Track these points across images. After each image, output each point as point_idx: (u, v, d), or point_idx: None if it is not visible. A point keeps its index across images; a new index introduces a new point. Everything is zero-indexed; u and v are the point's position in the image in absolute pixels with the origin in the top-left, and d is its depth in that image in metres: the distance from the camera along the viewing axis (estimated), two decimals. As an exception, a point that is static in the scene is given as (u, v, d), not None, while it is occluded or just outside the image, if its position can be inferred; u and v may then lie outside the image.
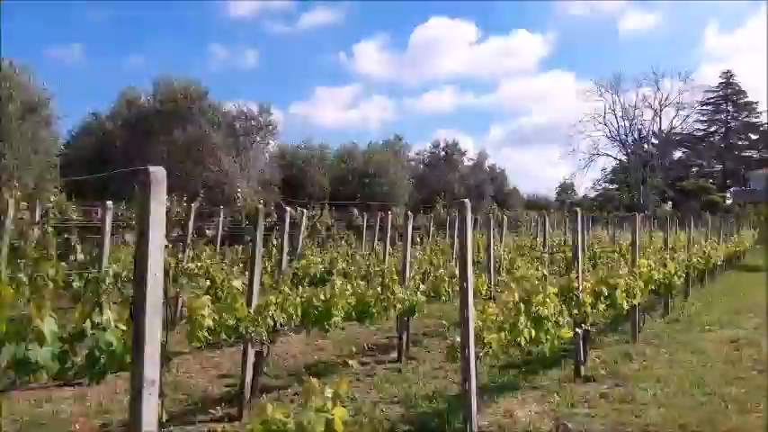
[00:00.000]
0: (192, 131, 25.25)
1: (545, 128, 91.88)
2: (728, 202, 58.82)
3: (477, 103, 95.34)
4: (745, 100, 69.96)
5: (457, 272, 9.16)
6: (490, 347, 4.56)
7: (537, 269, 11.85)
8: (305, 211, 13.64)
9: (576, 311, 6.37)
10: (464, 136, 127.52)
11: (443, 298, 8.65)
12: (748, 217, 34.60)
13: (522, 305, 5.01)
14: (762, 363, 6.83)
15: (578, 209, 7.29)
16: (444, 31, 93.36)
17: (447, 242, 16.43)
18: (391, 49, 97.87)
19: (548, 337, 5.15)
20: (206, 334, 4.57)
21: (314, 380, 2.20)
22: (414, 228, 22.34)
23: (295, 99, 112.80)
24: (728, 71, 70.53)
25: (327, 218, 19.82)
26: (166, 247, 5.53)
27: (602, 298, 6.94)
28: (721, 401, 5.30)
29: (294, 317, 5.99)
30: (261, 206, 9.07)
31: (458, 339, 4.52)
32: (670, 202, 53.51)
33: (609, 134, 64.91)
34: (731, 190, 64.42)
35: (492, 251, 10.74)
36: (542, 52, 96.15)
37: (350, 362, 7.34)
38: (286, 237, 9.95)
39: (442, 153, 45.96)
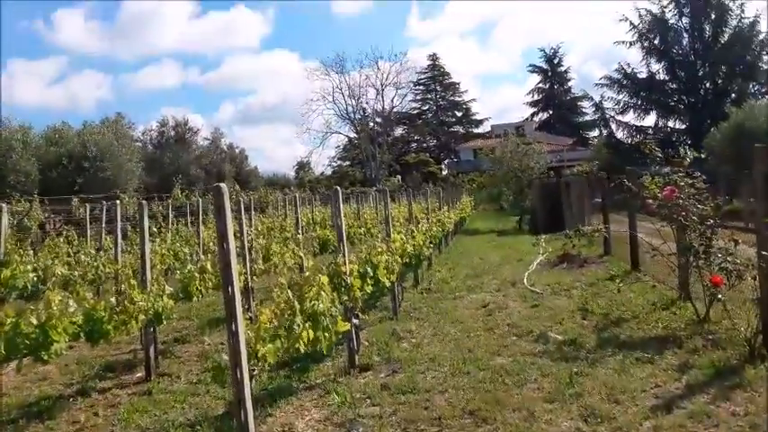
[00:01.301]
0: None
1: (274, 106, 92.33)
2: (444, 172, 66.66)
3: (203, 80, 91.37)
4: (450, 81, 79.74)
5: (209, 267, 8.16)
6: (266, 362, 3.79)
7: (293, 253, 11.37)
8: (3, 206, 10.90)
9: (346, 297, 5.95)
10: (192, 114, 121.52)
11: (195, 298, 7.55)
12: (463, 186, 39.53)
13: (296, 303, 4.32)
14: (515, 326, 7.31)
15: (338, 187, 6.87)
16: (159, 4, 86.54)
17: (191, 231, 14.98)
18: (100, 20, 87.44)
19: (326, 334, 4.58)
20: None
21: None
22: (149, 217, 20.13)
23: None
24: (434, 54, 79.51)
25: (39, 212, 16.55)
26: None
27: (368, 279, 6.67)
28: (497, 376, 5.38)
29: (-7, 354, 4.42)
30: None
31: (225, 358, 3.65)
32: (398, 176, 58.42)
33: (338, 112, 67.97)
34: (445, 162, 73.11)
35: (245, 237, 9.80)
36: (264, 30, 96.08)
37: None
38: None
39: (173, 132, 42.56)
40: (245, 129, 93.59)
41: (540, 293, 9.66)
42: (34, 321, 4.84)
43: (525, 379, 5.34)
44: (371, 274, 6.67)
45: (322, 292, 4.67)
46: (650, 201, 7.10)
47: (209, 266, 7.89)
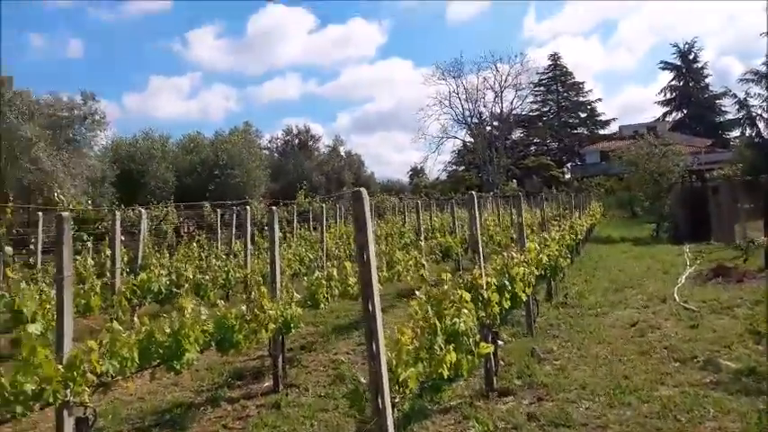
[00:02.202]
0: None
1: (390, 113, 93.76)
2: (567, 176, 63.66)
3: (322, 90, 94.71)
4: (573, 80, 76.03)
5: (335, 273, 7.96)
6: (407, 388, 3.36)
7: (416, 260, 10.99)
8: (143, 210, 11.56)
9: (483, 314, 5.41)
10: (313, 124, 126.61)
11: (322, 306, 7.35)
12: (590, 190, 37.29)
13: (436, 321, 3.86)
14: (674, 349, 6.39)
15: (473, 192, 6.33)
16: (281, 20, 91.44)
17: (315, 236, 15.11)
18: (228, 37, 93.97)
19: (468, 357, 4.08)
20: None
21: None
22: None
23: (128, 90, 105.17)
24: (556, 53, 76.13)
25: (174, 217, 17.56)
26: None
27: (505, 293, 6.08)
28: (665, 410, 4.59)
29: (129, 362, 4.39)
30: (67, 211, 7.09)
31: (363, 381, 3.27)
32: (515, 180, 56.58)
33: (455, 117, 67.04)
34: (568, 165, 69.77)
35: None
36: (380, 40, 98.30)
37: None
38: (118, 245, 8.05)
39: (297, 140, 44.07)
40: (361, 136, 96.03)
41: (697, 311, 8.52)
42: (167, 330, 4.79)
43: (701, 416, 4.51)
44: (509, 287, 6.07)
45: (464, 309, 4.18)
46: None
47: (335, 273, 7.68)
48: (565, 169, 67.95)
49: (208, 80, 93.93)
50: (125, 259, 9.78)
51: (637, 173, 25.39)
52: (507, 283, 6.12)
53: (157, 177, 25.90)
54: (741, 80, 42.28)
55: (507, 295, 6.15)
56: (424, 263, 11.81)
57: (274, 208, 7.29)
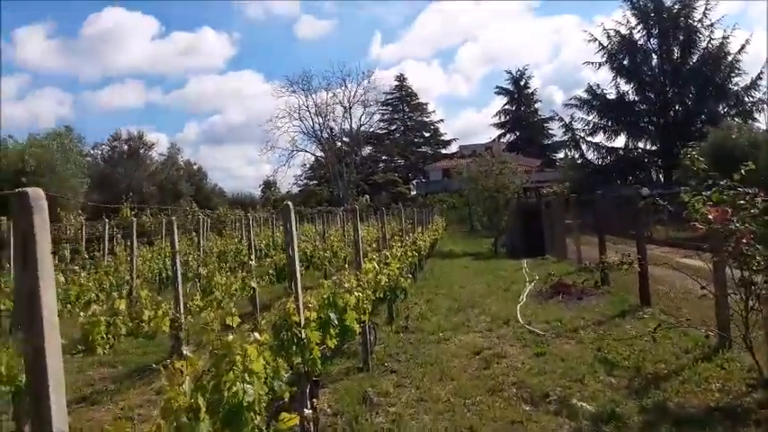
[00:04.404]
0: None
1: (241, 126, 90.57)
2: (413, 192, 65.17)
3: (167, 99, 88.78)
4: (417, 101, 78.75)
5: (123, 306, 6.24)
6: None
7: (243, 283, 9.52)
8: None
9: (299, 360, 4.17)
10: (158, 134, 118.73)
11: (100, 351, 5.61)
12: (433, 205, 37.98)
13: (199, 397, 2.51)
14: (523, 385, 5.60)
15: (289, 202, 5.03)
16: (122, 23, 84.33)
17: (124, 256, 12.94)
18: (61, 38, 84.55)
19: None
20: None
21: None
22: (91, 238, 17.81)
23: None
24: (402, 75, 78.37)
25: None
26: None
27: (330, 329, 4.89)
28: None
29: None
30: None
31: None
32: (366, 196, 56.63)
33: (305, 130, 65.85)
34: (414, 182, 71.65)
35: (178, 262, 7.83)
36: (230, 52, 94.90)
37: None
38: None
39: (126, 147, 39.70)
40: (211, 148, 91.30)
41: (543, 335, 8.03)
42: None
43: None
44: (336, 322, 4.90)
45: (252, 369, 2.88)
46: (698, 225, 5.51)
47: (122, 306, 5.98)
48: (411, 185, 69.72)
49: (38, 83, 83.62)
50: None
51: (476, 189, 26.00)
52: (334, 316, 4.94)
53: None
54: (566, 105, 46.30)
55: (333, 332, 4.97)
56: (255, 285, 10.37)
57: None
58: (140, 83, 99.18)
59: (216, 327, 5.86)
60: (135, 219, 11.39)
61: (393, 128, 78.60)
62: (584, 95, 44.59)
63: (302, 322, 4.32)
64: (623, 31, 42.47)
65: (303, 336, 4.26)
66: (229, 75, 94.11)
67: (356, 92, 65.06)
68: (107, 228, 13.97)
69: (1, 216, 14.09)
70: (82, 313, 5.56)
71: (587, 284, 11.78)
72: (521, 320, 9.07)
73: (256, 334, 3.46)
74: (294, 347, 4.16)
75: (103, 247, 13.77)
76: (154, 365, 4.96)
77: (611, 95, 43.86)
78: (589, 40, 43.33)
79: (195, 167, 47.06)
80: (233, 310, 6.28)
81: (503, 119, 71.72)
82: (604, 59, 43.27)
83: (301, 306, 4.38)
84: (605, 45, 42.88)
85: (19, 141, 27.81)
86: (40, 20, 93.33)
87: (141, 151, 39.78)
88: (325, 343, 4.74)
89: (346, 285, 5.65)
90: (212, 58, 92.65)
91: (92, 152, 38.20)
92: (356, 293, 5.72)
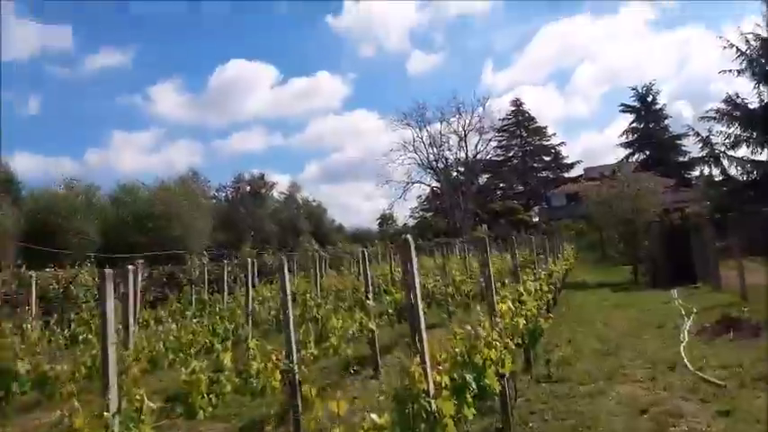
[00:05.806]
0: None
1: (357, 163, 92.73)
2: (535, 219, 62.31)
3: (288, 143, 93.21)
4: (535, 125, 76.05)
5: (228, 361, 5.59)
6: None
7: (360, 325, 8.74)
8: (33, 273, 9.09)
9: (429, 440, 3.18)
10: (280, 175, 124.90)
11: (201, 415, 4.95)
12: (559, 232, 35.64)
13: None
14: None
15: (409, 236, 4.10)
16: (244, 74, 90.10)
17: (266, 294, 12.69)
18: (191, 92, 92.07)
19: None
20: None
21: None
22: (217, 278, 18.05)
23: (90, 146, 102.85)
24: (518, 99, 76.24)
25: (89, 276, 14.95)
26: None
27: (467, 393, 3.86)
28: None
29: None
30: None
31: None
32: (485, 225, 54.91)
33: (420, 162, 65.65)
34: (535, 209, 68.60)
35: (290, 308, 7.11)
36: (345, 92, 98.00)
37: None
38: None
39: (248, 188, 41.26)
40: (330, 186, 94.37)
41: (723, 385, 6.45)
42: None
43: None
44: (473, 384, 3.86)
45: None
46: None
47: (227, 361, 5.32)
48: (532, 212, 66.83)
49: (172, 135, 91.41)
50: None
51: (609, 213, 23.77)
52: (470, 378, 3.91)
53: (82, 232, 22.96)
54: (702, 118, 42.10)
55: (470, 394, 3.94)
56: (374, 327, 9.55)
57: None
58: (263, 128, 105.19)
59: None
60: (254, 260, 11.10)
61: (510, 154, 76.41)
62: (723, 106, 40.29)
63: (431, 390, 3.35)
64: (764, 34, 38.05)
65: (433, 408, 3.28)
66: (345, 115, 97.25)
67: (471, 119, 64.02)
68: (226, 269, 13.96)
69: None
70: (183, 369, 4.96)
71: (761, 317, 9.81)
72: (689, 366, 7.46)
73: (374, 416, 2.56)
74: (423, 425, 3.18)
75: (222, 288, 13.74)
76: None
77: (754, 105, 39.20)
78: (725, 47, 39.16)
79: (314, 204, 48.08)
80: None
81: (630, 137, 67.06)
82: (743, 66, 38.90)
83: (429, 369, 3.41)
84: (744, 51, 38.62)
85: (149, 186, 29.73)
86: (170, 76, 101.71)
87: (263, 191, 41.29)
88: (461, 413, 3.73)
89: (483, 334, 4.60)
90: (329, 100, 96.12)
91: (216, 194, 40.35)
92: (494, 347, 4.65)
